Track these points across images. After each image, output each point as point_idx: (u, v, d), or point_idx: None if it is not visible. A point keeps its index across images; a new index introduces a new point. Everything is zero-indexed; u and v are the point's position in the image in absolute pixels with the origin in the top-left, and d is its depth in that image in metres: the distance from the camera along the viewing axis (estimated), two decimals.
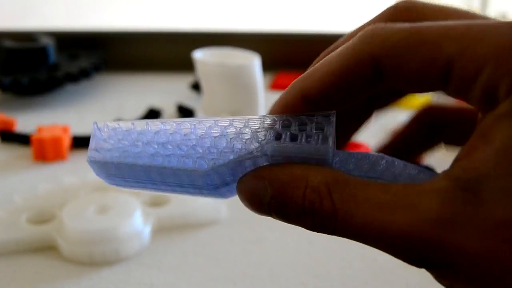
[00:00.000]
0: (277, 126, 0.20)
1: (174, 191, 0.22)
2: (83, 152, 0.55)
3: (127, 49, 0.86)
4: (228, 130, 0.21)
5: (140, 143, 0.21)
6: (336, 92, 0.19)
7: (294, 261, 0.38)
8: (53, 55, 0.73)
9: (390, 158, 0.20)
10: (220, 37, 0.86)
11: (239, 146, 0.20)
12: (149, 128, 0.21)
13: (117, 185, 0.23)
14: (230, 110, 0.51)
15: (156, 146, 0.21)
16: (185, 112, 0.65)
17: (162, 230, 0.41)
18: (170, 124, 0.21)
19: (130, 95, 0.76)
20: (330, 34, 0.89)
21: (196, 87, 0.75)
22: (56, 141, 0.53)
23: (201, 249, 0.39)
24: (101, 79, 0.81)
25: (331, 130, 0.19)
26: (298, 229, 0.43)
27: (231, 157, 0.20)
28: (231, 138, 0.20)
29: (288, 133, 0.20)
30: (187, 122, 0.21)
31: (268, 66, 0.72)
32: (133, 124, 0.22)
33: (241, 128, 0.20)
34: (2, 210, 0.41)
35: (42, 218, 0.41)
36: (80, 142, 0.56)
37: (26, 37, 0.76)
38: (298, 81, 0.20)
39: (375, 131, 0.63)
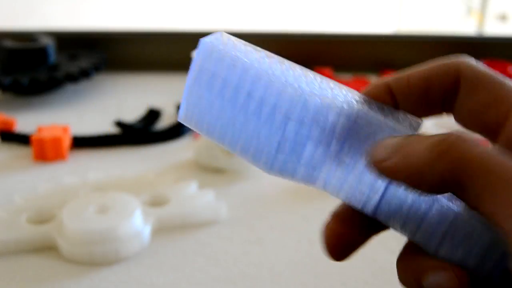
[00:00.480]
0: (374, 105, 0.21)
1: (266, 131, 0.20)
2: (83, 152, 0.55)
3: (127, 49, 0.86)
4: (331, 84, 0.22)
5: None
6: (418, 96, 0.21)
7: (294, 261, 0.38)
8: (53, 55, 0.73)
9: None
10: None
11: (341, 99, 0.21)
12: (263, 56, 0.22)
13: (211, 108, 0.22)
14: None
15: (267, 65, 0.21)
16: None
17: (162, 230, 0.41)
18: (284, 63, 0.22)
19: (130, 95, 0.76)
20: (330, 34, 0.89)
21: None
22: (56, 141, 0.53)
23: (201, 249, 0.39)
24: (101, 79, 0.81)
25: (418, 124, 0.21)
26: (298, 229, 0.43)
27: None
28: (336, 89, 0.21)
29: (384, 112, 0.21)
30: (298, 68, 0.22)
31: None
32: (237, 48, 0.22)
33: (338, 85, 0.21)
34: (2, 210, 0.41)
35: (42, 218, 0.41)
36: (80, 142, 0.56)
37: (26, 37, 0.76)
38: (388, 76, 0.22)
39: None
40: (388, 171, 0.19)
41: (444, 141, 0.18)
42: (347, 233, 0.21)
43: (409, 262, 0.20)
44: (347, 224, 0.21)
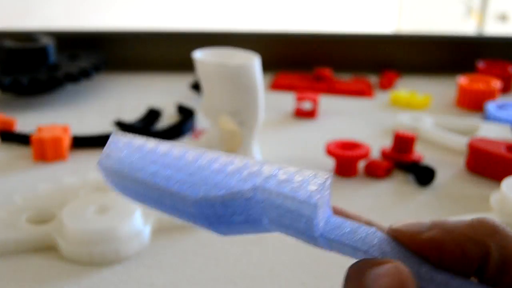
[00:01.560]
0: (275, 173, 0.21)
1: (171, 213, 0.23)
2: (83, 152, 0.55)
3: (127, 49, 0.86)
4: (228, 167, 0.22)
5: (146, 161, 0.23)
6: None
7: (294, 261, 0.38)
8: (53, 55, 0.73)
9: (383, 236, 0.20)
10: (220, 37, 0.86)
11: (233, 183, 0.21)
12: (159, 149, 0.23)
13: (120, 192, 0.24)
14: (230, 110, 0.51)
15: (158, 167, 0.22)
16: (185, 112, 0.65)
17: (162, 230, 0.41)
18: (178, 149, 0.23)
19: (130, 95, 0.76)
20: (330, 34, 0.89)
21: (196, 87, 0.75)
22: (56, 141, 0.53)
23: (201, 249, 0.39)
24: (101, 79, 0.81)
25: (323, 191, 0.20)
26: None
27: (222, 192, 0.21)
28: (227, 175, 0.21)
29: (283, 182, 0.20)
30: (192, 151, 0.22)
31: (268, 66, 0.72)
32: (146, 141, 0.23)
33: (239, 167, 0.21)
34: (2, 210, 0.41)
35: (42, 218, 0.41)
36: (80, 142, 0.56)
37: (26, 37, 0.76)
38: None
39: (375, 131, 0.63)
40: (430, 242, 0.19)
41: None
42: None
43: (354, 267, 0.20)
44: None
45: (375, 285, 0.18)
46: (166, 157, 0.22)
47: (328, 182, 0.20)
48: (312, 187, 0.20)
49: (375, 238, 0.20)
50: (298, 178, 0.20)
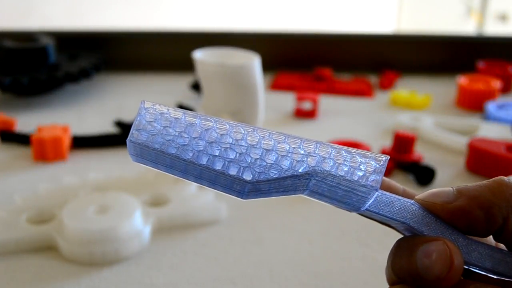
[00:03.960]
0: (328, 155, 0.21)
1: (201, 184, 0.22)
2: (83, 152, 0.55)
3: (127, 49, 0.86)
4: (280, 146, 0.21)
5: (187, 136, 0.21)
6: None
7: (294, 261, 0.38)
8: (53, 55, 0.73)
9: (418, 208, 0.22)
10: (220, 37, 0.86)
11: (287, 165, 0.21)
12: (200, 123, 0.21)
13: (143, 164, 0.22)
14: (230, 110, 0.51)
15: (204, 144, 0.21)
16: None
17: (162, 230, 0.41)
18: (222, 124, 0.21)
19: (130, 95, 0.76)
20: (330, 34, 0.89)
21: (196, 87, 0.75)
22: (56, 141, 0.53)
23: (201, 249, 0.39)
24: (101, 79, 0.81)
25: (377, 174, 0.21)
26: (298, 229, 0.43)
27: (276, 174, 0.20)
28: (282, 156, 0.21)
29: (337, 164, 0.21)
30: (240, 126, 0.21)
31: (268, 66, 0.72)
32: (184, 114, 0.21)
33: (294, 147, 0.21)
34: (2, 210, 0.41)
35: (42, 218, 0.41)
36: (80, 142, 0.56)
37: (26, 37, 0.76)
38: None
39: (375, 131, 0.63)
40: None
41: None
42: None
43: (402, 245, 0.22)
44: None
45: (426, 261, 0.20)
46: (211, 133, 0.21)
47: (385, 164, 0.21)
48: (369, 169, 0.21)
49: (412, 209, 0.21)
50: (354, 159, 0.21)
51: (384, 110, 0.71)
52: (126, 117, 0.64)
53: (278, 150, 0.21)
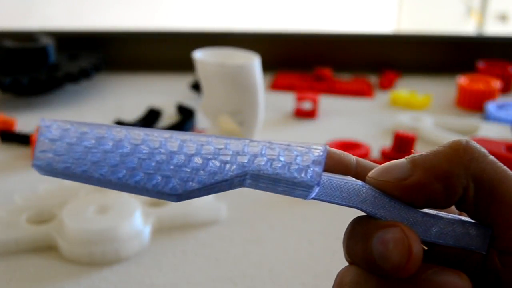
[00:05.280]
0: (260, 151, 0.20)
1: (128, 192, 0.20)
2: None
3: (127, 49, 0.86)
4: (205, 148, 0.19)
5: (97, 151, 0.19)
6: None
7: (294, 261, 0.38)
8: (53, 55, 0.73)
9: (370, 189, 0.20)
10: (220, 37, 0.86)
11: (215, 168, 0.19)
12: (111, 135, 0.19)
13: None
14: (230, 110, 0.51)
15: (118, 157, 0.19)
16: (185, 112, 0.65)
17: (162, 230, 0.41)
18: (135, 133, 0.19)
19: (130, 95, 0.76)
20: (330, 34, 0.89)
21: (196, 87, 0.75)
22: None
23: (201, 249, 0.39)
24: (101, 79, 0.81)
25: (316, 166, 0.19)
26: (298, 229, 0.43)
27: (205, 178, 0.19)
28: (208, 159, 0.19)
29: (270, 161, 0.19)
30: (155, 133, 0.19)
31: (268, 66, 0.72)
32: (89, 126, 0.19)
33: (220, 148, 0.20)
34: (2, 210, 0.41)
35: (42, 218, 0.41)
36: None
37: (26, 37, 0.76)
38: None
39: (375, 131, 0.63)
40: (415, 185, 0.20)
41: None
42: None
43: (357, 228, 0.20)
44: None
45: (382, 249, 0.18)
46: (124, 144, 0.19)
47: (324, 154, 0.20)
48: (307, 162, 0.19)
49: (362, 192, 0.20)
50: (289, 153, 0.20)
51: (384, 110, 0.71)
52: (126, 117, 0.64)
53: (204, 154, 0.19)
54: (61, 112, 0.68)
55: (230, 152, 0.20)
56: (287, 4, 1.74)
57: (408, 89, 0.78)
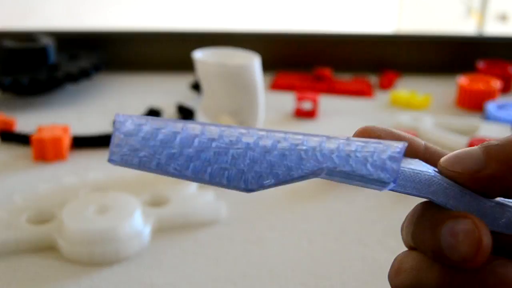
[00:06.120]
0: (337, 146, 0.20)
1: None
2: (83, 152, 0.55)
3: (127, 49, 0.86)
4: (280, 144, 0.20)
5: (173, 145, 0.19)
6: None
7: (294, 261, 0.38)
8: (53, 55, 0.73)
9: (443, 180, 0.20)
10: (220, 37, 0.86)
11: (292, 163, 0.19)
12: (186, 130, 0.19)
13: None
14: (230, 110, 0.51)
15: (193, 151, 0.19)
16: (185, 112, 0.65)
17: (162, 230, 0.41)
18: (211, 129, 0.20)
19: (130, 95, 0.76)
20: (330, 34, 0.89)
21: (196, 87, 0.75)
22: (56, 141, 0.53)
23: (201, 249, 0.39)
24: (101, 79, 0.81)
25: (393, 162, 0.19)
26: (298, 229, 0.43)
27: (281, 174, 0.19)
28: (284, 154, 0.20)
29: (346, 157, 0.20)
30: (231, 129, 0.20)
31: (268, 66, 0.72)
32: (164, 122, 0.20)
33: (297, 144, 0.20)
34: (2, 210, 0.41)
35: (42, 218, 0.41)
36: (80, 142, 0.56)
37: (26, 37, 0.76)
38: None
39: None
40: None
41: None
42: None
43: (425, 215, 0.20)
44: None
45: (451, 240, 0.18)
46: (200, 136, 0.19)
47: (402, 151, 0.19)
48: (384, 158, 0.19)
49: (435, 182, 0.20)
50: (366, 149, 0.20)
51: (384, 110, 0.71)
52: None
53: (280, 148, 0.20)
54: (61, 112, 0.68)
55: (307, 148, 0.20)
56: (287, 4, 1.74)
57: (408, 89, 0.78)
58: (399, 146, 0.19)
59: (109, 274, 0.36)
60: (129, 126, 0.19)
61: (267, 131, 0.20)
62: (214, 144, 0.19)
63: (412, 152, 0.21)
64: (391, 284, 0.21)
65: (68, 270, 0.36)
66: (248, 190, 0.19)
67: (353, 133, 0.23)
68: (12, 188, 0.47)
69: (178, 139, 0.19)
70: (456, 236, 0.18)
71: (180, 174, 0.19)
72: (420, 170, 0.20)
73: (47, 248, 0.38)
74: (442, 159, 0.20)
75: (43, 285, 0.35)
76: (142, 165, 0.19)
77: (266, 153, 0.20)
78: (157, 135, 0.19)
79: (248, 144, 0.20)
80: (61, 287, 0.35)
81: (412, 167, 0.20)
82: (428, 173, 0.20)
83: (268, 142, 0.20)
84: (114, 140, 0.19)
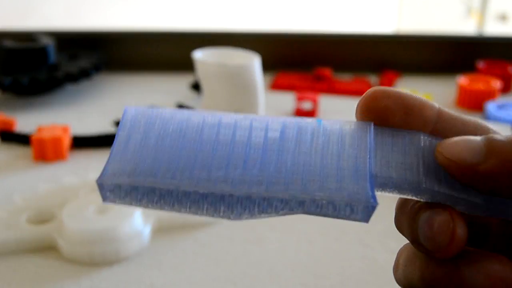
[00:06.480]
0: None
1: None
2: (83, 152, 0.55)
3: (127, 49, 0.86)
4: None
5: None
6: None
7: (294, 261, 0.38)
8: (53, 55, 0.73)
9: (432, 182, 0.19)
10: (220, 37, 0.86)
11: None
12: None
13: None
14: (230, 110, 0.51)
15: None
16: None
17: (162, 230, 0.41)
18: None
19: (130, 95, 0.76)
20: (330, 34, 0.89)
21: (196, 87, 0.75)
22: (56, 141, 0.53)
23: (201, 249, 0.39)
24: (101, 79, 0.81)
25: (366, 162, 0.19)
26: (298, 229, 0.43)
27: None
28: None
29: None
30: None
31: (268, 66, 0.72)
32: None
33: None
34: (2, 210, 0.41)
35: (42, 218, 0.41)
36: (80, 142, 0.56)
37: (26, 37, 0.76)
38: None
39: None
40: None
41: None
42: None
43: (407, 203, 0.20)
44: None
45: (427, 230, 0.18)
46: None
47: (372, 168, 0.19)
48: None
49: (423, 188, 0.19)
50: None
51: None
52: None
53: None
54: (61, 112, 0.68)
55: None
56: (287, 4, 1.74)
57: (408, 89, 0.78)
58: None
59: (109, 274, 0.36)
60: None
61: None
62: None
63: (419, 123, 0.21)
64: (395, 279, 0.21)
65: (68, 270, 0.36)
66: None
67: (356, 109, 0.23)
68: (12, 188, 0.47)
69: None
70: (431, 226, 0.18)
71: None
72: (406, 171, 0.19)
73: (47, 248, 0.38)
74: (440, 144, 0.19)
75: (43, 285, 0.35)
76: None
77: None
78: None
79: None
80: (61, 287, 0.35)
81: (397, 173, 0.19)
82: (417, 176, 0.19)
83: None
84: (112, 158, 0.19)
